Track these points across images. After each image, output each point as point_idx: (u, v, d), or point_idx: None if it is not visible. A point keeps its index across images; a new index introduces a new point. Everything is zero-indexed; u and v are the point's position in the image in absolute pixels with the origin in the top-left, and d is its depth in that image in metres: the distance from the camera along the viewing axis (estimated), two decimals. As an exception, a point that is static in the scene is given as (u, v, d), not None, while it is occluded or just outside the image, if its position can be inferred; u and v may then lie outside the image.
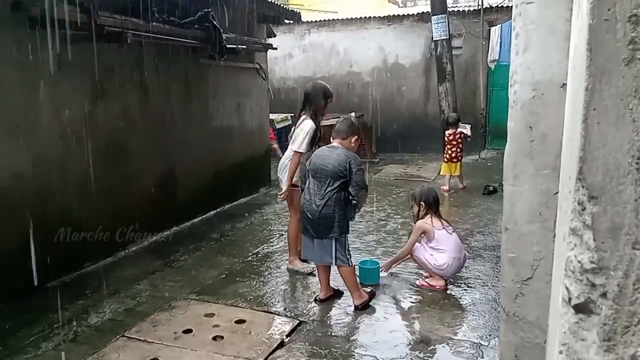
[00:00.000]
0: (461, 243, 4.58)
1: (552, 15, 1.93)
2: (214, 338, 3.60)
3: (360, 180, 3.94)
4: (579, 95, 1.05)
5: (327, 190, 3.93)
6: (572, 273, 1.03)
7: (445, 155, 8.13)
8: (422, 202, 4.52)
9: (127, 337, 3.63)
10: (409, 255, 4.58)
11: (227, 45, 6.49)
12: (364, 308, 4.06)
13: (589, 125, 1.00)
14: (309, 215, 4.02)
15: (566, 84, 1.86)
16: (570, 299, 1.03)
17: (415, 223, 4.56)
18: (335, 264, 4.06)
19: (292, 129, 4.87)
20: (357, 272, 4.43)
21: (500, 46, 8.61)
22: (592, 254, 0.99)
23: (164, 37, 5.61)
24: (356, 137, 4.14)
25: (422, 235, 4.43)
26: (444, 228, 4.41)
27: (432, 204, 4.51)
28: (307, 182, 4.10)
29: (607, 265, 0.98)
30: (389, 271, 4.68)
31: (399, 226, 6.28)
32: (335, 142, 4.11)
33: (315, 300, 4.22)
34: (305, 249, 4.32)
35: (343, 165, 3.89)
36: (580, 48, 1.10)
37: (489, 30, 9.64)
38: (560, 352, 1.04)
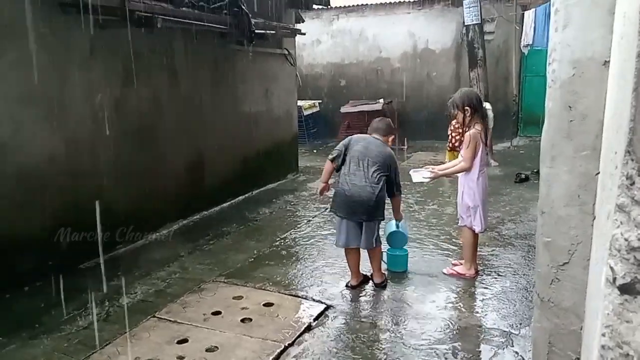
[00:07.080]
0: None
1: (595, -11, 1.84)
2: (242, 320, 3.63)
3: (399, 183, 4.16)
4: (629, 65, 0.99)
5: (379, 175, 3.99)
6: (617, 252, 0.98)
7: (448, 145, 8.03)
8: (467, 108, 4.05)
9: (157, 318, 3.69)
10: (459, 174, 4.20)
11: (256, 31, 6.47)
12: (384, 287, 4.18)
13: None
14: (363, 199, 3.94)
15: (609, 62, 1.77)
16: (614, 279, 0.98)
17: (467, 133, 4.09)
18: (375, 246, 4.12)
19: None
20: (384, 259, 4.41)
21: (534, 31, 8.30)
22: (641, 231, 0.94)
23: (193, 22, 5.62)
24: (392, 137, 4.28)
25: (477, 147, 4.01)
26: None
27: (477, 107, 4.07)
28: (349, 167, 4.01)
29: (656, 244, 0.93)
30: (425, 177, 4.27)
31: (428, 214, 6.21)
32: (375, 135, 4.18)
33: (347, 286, 4.20)
34: (348, 236, 4.06)
35: (389, 159, 4.04)
36: (630, 15, 1.04)
37: (523, 14, 9.35)
38: (604, 335, 1.00)
